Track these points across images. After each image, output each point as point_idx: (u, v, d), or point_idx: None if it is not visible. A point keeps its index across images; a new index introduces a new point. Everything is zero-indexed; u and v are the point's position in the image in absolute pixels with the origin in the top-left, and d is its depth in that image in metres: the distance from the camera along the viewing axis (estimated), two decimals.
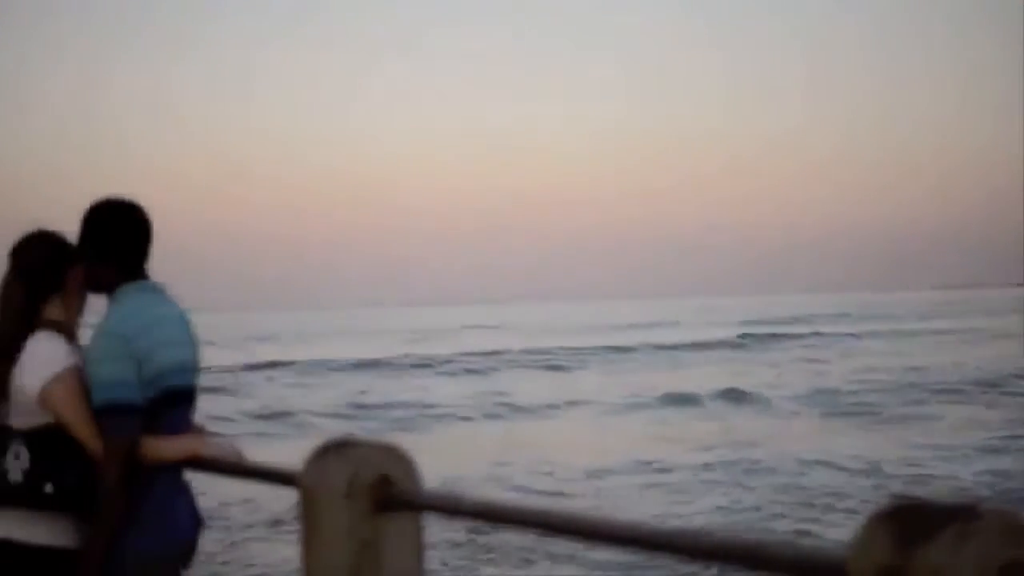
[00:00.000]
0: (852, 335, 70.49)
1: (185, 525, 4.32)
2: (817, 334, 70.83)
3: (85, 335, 4.30)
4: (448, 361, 54.42)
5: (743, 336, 69.17)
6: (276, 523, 16.49)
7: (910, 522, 1.84)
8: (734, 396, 35.86)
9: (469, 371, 50.61)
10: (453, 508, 3.15)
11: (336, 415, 33.31)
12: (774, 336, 69.51)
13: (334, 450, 3.13)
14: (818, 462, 21.82)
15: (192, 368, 4.33)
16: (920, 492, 18.92)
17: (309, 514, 3.14)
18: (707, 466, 21.76)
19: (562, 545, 13.93)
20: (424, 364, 54.34)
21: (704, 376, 43.43)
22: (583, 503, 18.42)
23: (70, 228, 4.36)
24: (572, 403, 35.42)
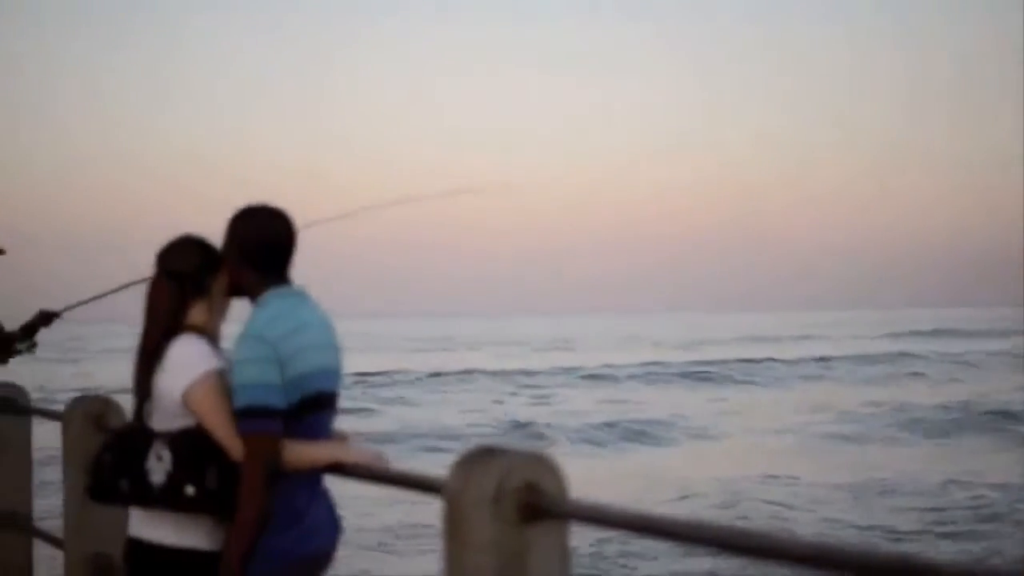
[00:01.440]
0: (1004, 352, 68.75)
1: (323, 531, 4.30)
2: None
3: (228, 340, 4.31)
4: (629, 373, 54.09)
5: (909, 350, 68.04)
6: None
7: None
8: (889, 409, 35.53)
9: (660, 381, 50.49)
10: (600, 518, 3.07)
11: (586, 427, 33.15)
12: (927, 351, 68.18)
13: (480, 458, 3.07)
14: (961, 481, 21.44)
15: (335, 373, 4.31)
16: None
17: (453, 522, 3.08)
18: (839, 485, 21.48)
19: None
20: (562, 371, 54.32)
21: (859, 391, 43.01)
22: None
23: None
24: (733, 419, 35.07)
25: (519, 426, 33.00)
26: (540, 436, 31.04)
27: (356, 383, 43.26)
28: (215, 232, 4.41)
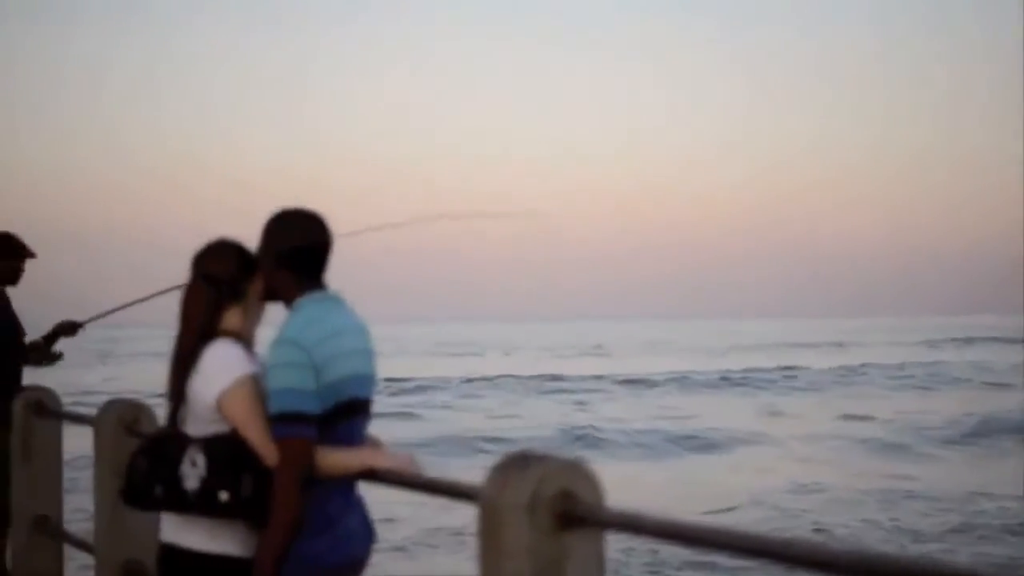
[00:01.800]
0: None
1: (356, 538, 4.28)
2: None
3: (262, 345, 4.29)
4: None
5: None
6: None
7: None
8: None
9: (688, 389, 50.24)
10: (636, 526, 3.03)
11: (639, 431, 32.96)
12: (962, 359, 67.71)
13: (516, 465, 3.04)
14: (990, 493, 21.33)
15: (370, 379, 4.29)
16: None
17: (488, 529, 3.06)
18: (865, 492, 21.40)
19: None
20: (598, 377, 54.14)
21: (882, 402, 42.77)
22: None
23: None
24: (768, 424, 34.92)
25: (565, 432, 32.87)
26: (584, 439, 30.98)
27: (387, 387, 43.23)
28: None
